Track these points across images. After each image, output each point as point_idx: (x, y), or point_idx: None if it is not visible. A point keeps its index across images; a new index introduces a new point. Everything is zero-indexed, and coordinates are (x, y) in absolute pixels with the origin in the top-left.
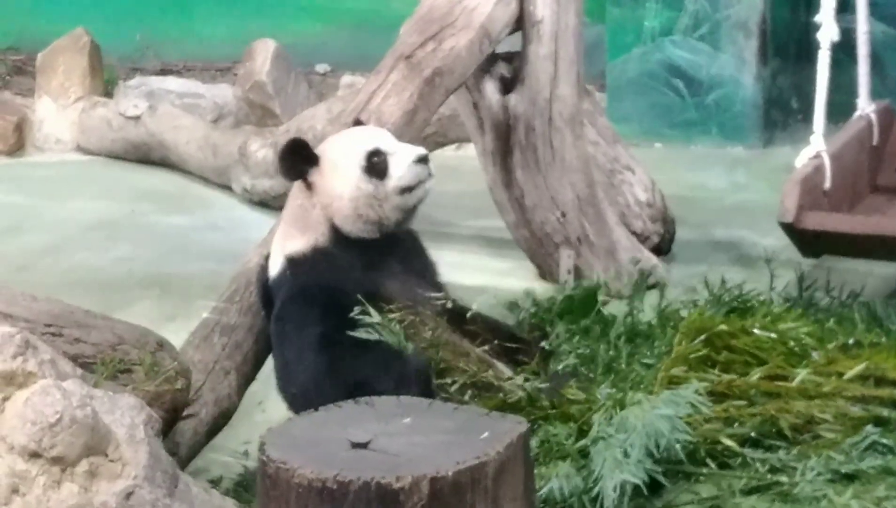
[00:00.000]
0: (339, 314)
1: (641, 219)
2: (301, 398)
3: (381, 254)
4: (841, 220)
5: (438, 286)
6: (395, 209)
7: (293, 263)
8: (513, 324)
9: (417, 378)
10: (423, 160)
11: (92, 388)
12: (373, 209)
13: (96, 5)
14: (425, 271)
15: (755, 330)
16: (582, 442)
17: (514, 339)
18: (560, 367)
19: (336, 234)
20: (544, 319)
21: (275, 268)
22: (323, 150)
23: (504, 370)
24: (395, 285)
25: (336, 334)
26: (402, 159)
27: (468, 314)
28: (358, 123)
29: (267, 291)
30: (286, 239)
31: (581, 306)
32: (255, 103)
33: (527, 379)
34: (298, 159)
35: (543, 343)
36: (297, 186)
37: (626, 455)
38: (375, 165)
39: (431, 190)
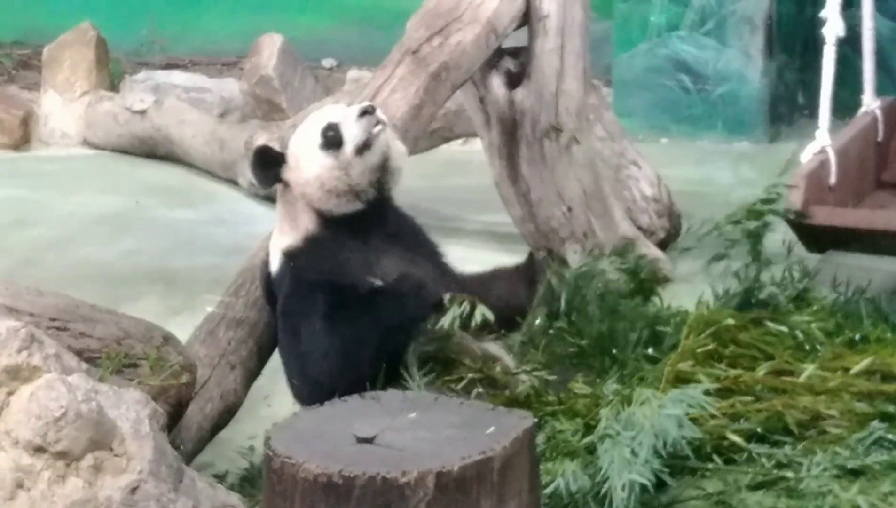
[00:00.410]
0: (340, 294)
1: (647, 214)
2: (327, 385)
3: (373, 230)
4: (846, 215)
5: (440, 264)
6: (363, 172)
7: (289, 256)
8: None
9: (425, 289)
10: (365, 113)
11: (97, 382)
12: (340, 181)
13: None
14: (427, 251)
15: (767, 323)
16: (588, 439)
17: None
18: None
19: (322, 219)
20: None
21: (275, 264)
22: (288, 146)
23: (510, 362)
24: (390, 259)
25: (340, 311)
26: (349, 122)
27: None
28: None
29: (270, 286)
30: (281, 235)
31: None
32: (261, 98)
33: (533, 371)
34: (269, 165)
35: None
36: (279, 187)
37: (633, 454)
38: (331, 138)
39: (390, 140)
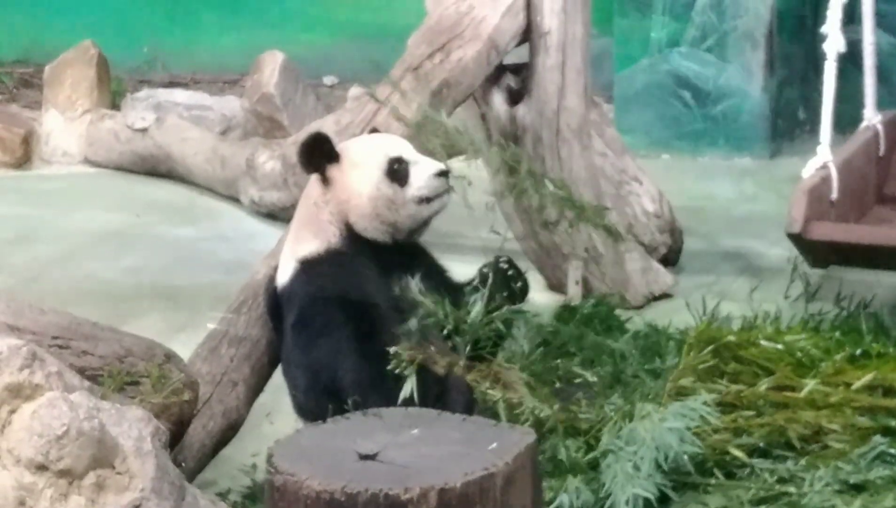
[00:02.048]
0: (362, 312)
1: (649, 230)
2: (343, 400)
3: (393, 257)
4: (848, 230)
5: (454, 287)
6: (411, 217)
7: (307, 265)
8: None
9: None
10: (443, 174)
11: (99, 400)
12: (390, 212)
13: (104, 18)
14: (439, 275)
15: (761, 342)
16: (591, 455)
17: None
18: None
19: (350, 234)
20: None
21: (285, 275)
22: (344, 148)
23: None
24: (411, 286)
25: (368, 333)
26: (423, 170)
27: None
28: (374, 131)
29: (275, 302)
30: (298, 243)
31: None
32: (262, 115)
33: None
34: (319, 153)
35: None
36: (312, 183)
37: (636, 468)
38: (396, 171)
39: (447, 204)
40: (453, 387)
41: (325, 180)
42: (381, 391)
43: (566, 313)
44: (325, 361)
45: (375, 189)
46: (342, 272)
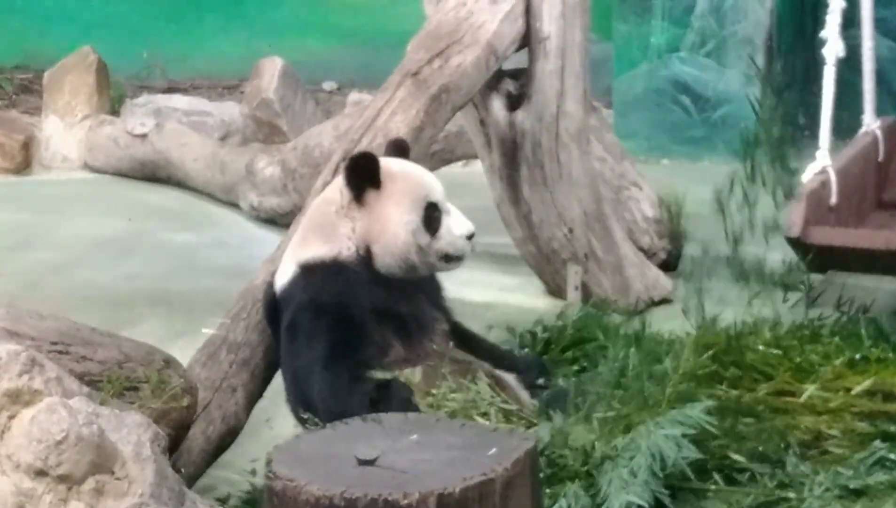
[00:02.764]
0: (348, 328)
1: (649, 235)
2: (311, 410)
3: (395, 283)
4: (847, 235)
5: (444, 309)
6: (431, 266)
7: (307, 270)
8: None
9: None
10: (470, 237)
11: (98, 406)
12: (416, 257)
13: (103, 24)
14: (433, 292)
15: (760, 347)
16: (593, 459)
17: (514, 368)
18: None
19: (365, 255)
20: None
21: (284, 277)
22: (388, 177)
23: (525, 396)
24: (405, 306)
25: (342, 349)
26: (454, 226)
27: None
28: (399, 143)
29: (273, 307)
30: (303, 246)
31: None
32: (262, 121)
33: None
34: (364, 174)
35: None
36: (336, 190)
37: (633, 474)
38: (431, 219)
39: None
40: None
41: (360, 200)
42: (346, 405)
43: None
44: (303, 369)
45: (412, 235)
46: (340, 283)
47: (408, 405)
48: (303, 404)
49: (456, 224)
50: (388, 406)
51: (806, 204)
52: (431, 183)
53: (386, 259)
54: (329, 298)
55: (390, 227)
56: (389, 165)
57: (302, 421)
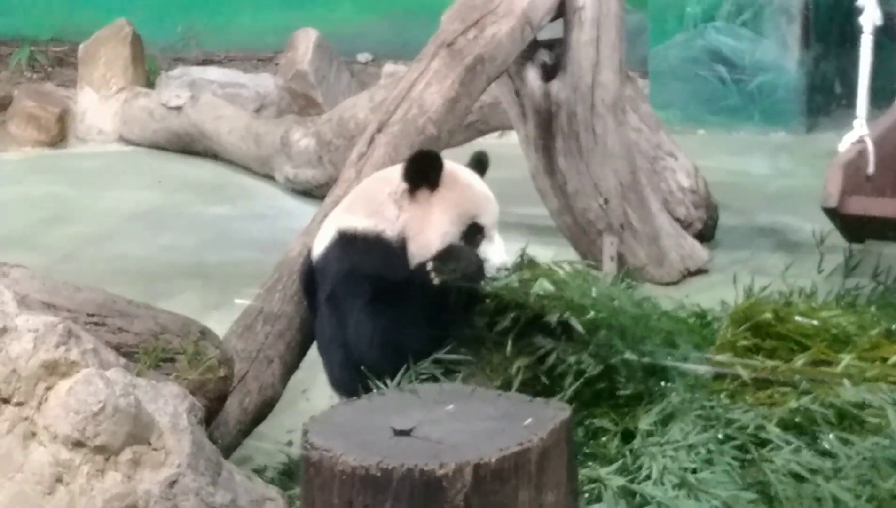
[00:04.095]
0: (394, 291)
1: (684, 205)
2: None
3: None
4: (884, 204)
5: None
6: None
7: (346, 238)
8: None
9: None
10: (506, 269)
11: (135, 377)
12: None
13: None
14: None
15: (797, 318)
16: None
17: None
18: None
19: (401, 243)
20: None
21: (322, 244)
22: (446, 182)
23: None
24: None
25: (385, 299)
26: (492, 254)
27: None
28: (481, 157)
29: (310, 277)
30: (349, 213)
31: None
32: (296, 93)
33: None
34: (424, 173)
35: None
36: (397, 177)
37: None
38: (472, 238)
39: None
40: None
41: (412, 194)
42: (395, 362)
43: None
44: (356, 335)
45: (441, 241)
46: (379, 257)
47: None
48: (361, 370)
49: (495, 253)
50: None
51: (843, 174)
52: (486, 205)
53: (416, 259)
54: (369, 267)
55: (429, 231)
56: (455, 172)
57: (347, 393)
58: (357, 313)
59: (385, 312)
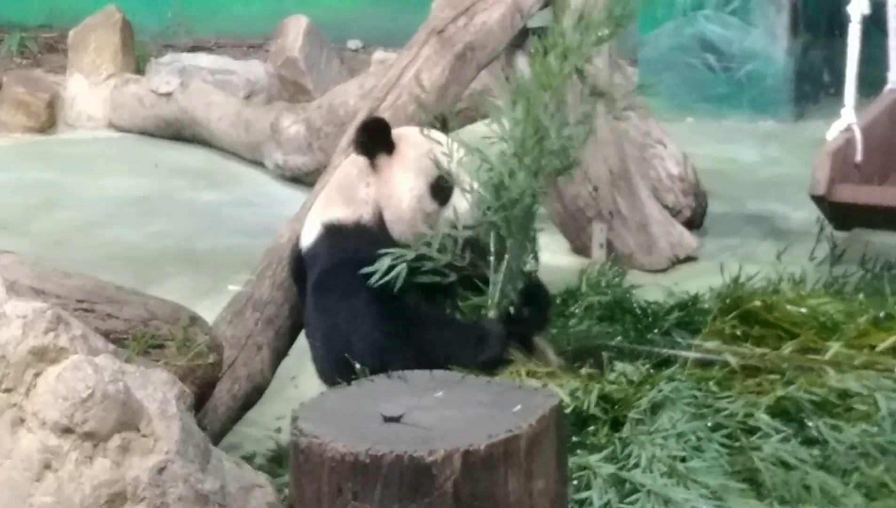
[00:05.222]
0: (381, 285)
1: (673, 193)
2: (363, 364)
3: None
4: (872, 192)
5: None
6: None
7: (332, 231)
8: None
9: (484, 337)
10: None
11: (124, 363)
12: (424, 225)
13: None
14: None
15: (787, 307)
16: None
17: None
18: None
19: (380, 220)
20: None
21: (310, 236)
22: (399, 141)
23: (553, 357)
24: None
25: (386, 298)
26: (465, 200)
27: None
28: (440, 118)
29: (299, 265)
30: (329, 205)
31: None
32: (287, 79)
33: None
34: (375, 140)
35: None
36: (360, 160)
37: (659, 433)
38: (441, 190)
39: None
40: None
41: (373, 166)
42: (400, 354)
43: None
44: (343, 324)
45: (417, 201)
46: (364, 246)
47: (504, 342)
48: (345, 359)
49: (467, 196)
50: (484, 345)
51: (831, 162)
52: (444, 151)
53: (395, 225)
54: (357, 255)
55: (397, 191)
56: (408, 132)
57: (330, 382)
58: (351, 305)
59: (371, 308)
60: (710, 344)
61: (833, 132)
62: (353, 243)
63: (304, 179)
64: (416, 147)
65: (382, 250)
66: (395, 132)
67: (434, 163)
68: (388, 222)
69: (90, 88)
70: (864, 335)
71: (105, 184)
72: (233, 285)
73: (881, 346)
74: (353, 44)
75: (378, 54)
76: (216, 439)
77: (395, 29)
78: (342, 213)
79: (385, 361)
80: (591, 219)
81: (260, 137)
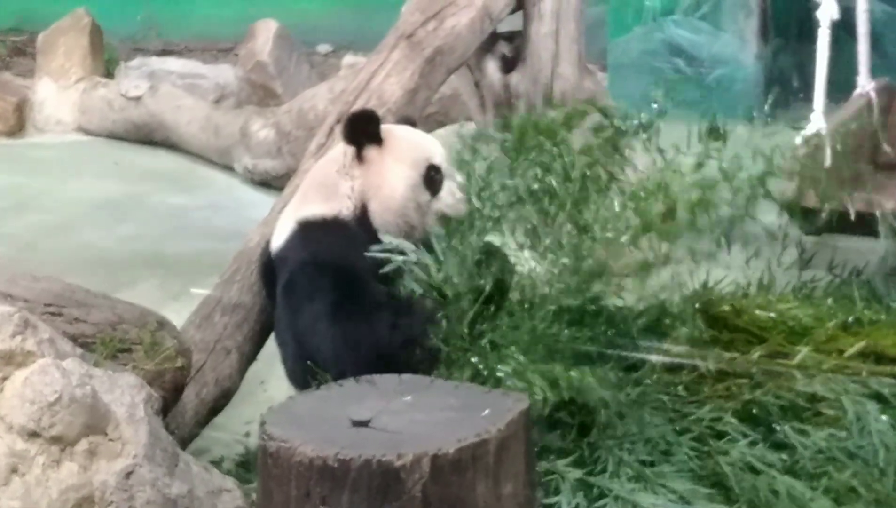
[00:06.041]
0: (348, 284)
1: None
2: (317, 368)
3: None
4: (842, 197)
5: None
6: (428, 226)
7: (306, 227)
8: None
9: (428, 332)
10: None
11: (91, 367)
12: (415, 215)
13: None
14: None
15: (756, 311)
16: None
17: None
18: None
19: (362, 214)
20: None
21: (281, 237)
22: (389, 135)
23: None
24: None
25: (347, 302)
26: (455, 189)
27: None
28: (408, 119)
29: (269, 268)
30: (304, 203)
31: None
32: (256, 84)
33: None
34: (364, 131)
35: None
36: (340, 150)
37: (627, 438)
38: (432, 180)
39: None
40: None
41: (360, 158)
42: (358, 360)
43: None
44: (308, 327)
45: (411, 190)
46: (339, 241)
47: (432, 317)
48: (307, 363)
49: (456, 187)
50: (411, 323)
51: (800, 167)
52: (434, 146)
53: (384, 216)
54: (328, 256)
55: (389, 180)
56: (393, 127)
57: (300, 385)
58: (314, 308)
59: (342, 307)
60: (679, 349)
61: (803, 137)
62: (327, 240)
63: (274, 183)
64: (407, 140)
65: (376, 247)
66: (382, 126)
67: (426, 154)
68: (375, 212)
69: (59, 92)
70: (832, 340)
71: (74, 188)
72: (196, 289)
73: (849, 351)
74: (323, 48)
75: (348, 58)
76: (184, 443)
77: (364, 33)
78: (319, 209)
79: (340, 368)
80: None
81: (229, 141)
